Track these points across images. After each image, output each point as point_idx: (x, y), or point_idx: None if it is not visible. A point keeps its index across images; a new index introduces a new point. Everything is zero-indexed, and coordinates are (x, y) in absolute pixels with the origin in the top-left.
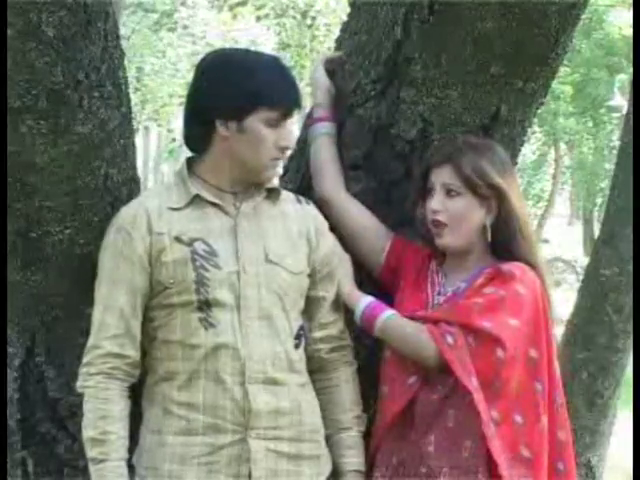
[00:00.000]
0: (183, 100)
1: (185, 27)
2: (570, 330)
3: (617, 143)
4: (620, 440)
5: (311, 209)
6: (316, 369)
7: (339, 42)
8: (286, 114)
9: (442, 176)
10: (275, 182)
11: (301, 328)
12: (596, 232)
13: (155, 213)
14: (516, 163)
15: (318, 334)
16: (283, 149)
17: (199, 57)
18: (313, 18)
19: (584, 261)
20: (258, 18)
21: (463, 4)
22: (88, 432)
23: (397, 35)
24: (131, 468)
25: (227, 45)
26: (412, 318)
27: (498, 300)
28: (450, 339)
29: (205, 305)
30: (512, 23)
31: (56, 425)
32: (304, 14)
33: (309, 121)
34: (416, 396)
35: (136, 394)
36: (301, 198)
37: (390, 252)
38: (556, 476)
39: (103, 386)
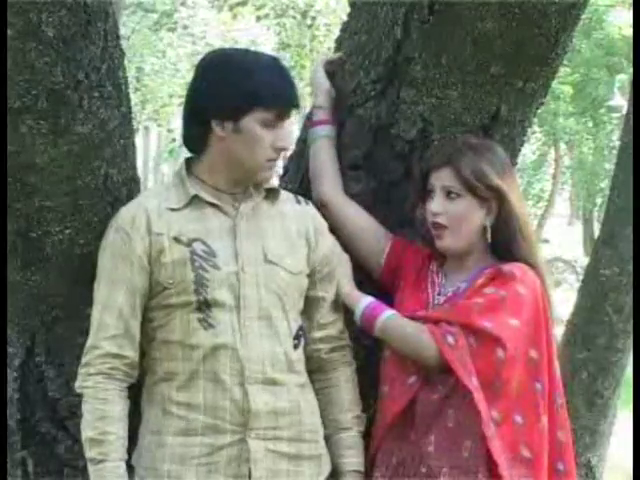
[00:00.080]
0: (183, 100)
1: (185, 27)
2: (570, 330)
3: (617, 143)
4: (620, 440)
5: (310, 209)
6: (315, 369)
7: (339, 42)
8: (282, 115)
9: (442, 178)
10: (275, 182)
11: (300, 328)
12: (596, 232)
13: (154, 213)
14: (516, 163)
15: (317, 334)
16: (280, 150)
17: (199, 57)
18: (313, 18)
19: (584, 261)
20: (258, 18)
21: (463, 4)
22: (87, 432)
23: (397, 35)
24: (130, 468)
25: (227, 45)
26: (412, 318)
27: (499, 300)
28: (451, 339)
29: (204, 305)
30: (512, 23)
31: (56, 425)
32: (304, 14)
33: (309, 123)
34: (416, 396)
35: (135, 394)
36: (300, 198)
37: (390, 253)
38: (556, 476)
39: (102, 386)
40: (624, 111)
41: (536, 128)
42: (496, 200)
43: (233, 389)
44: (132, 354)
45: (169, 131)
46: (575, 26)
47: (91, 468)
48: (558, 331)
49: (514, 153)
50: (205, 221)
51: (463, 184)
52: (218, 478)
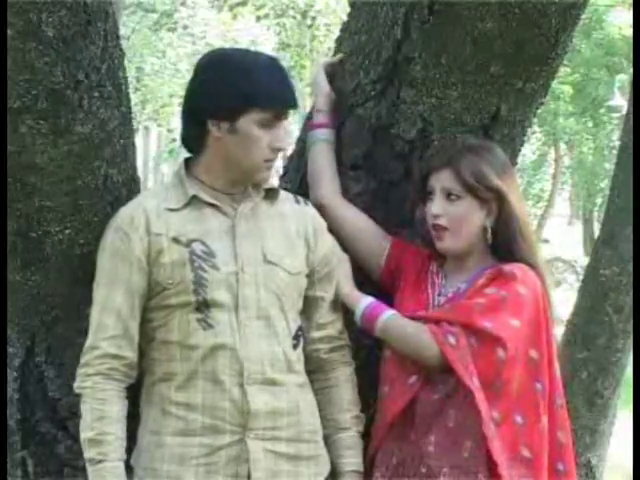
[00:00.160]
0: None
1: (185, 27)
2: (570, 330)
3: (617, 143)
4: (620, 440)
5: (309, 209)
6: (314, 369)
7: (339, 42)
8: (279, 115)
9: (442, 180)
10: (274, 182)
11: (299, 328)
12: (596, 232)
13: (153, 214)
14: (516, 163)
15: (317, 334)
16: (277, 150)
17: (199, 57)
18: (313, 18)
19: (584, 261)
20: (258, 18)
21: (463, 4)
22: (86, 433)
23: (397, 35)
24: (129, 469)
25: (227, 45)
26: (413, 318)
27: (499, 300)
28: (452, 339)
29: (203, 306)
30: (512, 23)
31: (56, 425)
32: (304, 14)
33: (309, 126)
34: (416, 396)
35: (134, 395)
36: (299, 198)
37: (389, 255)
38: (556, 477)
39: (100, 387)
40: (624, 111)
41: (536, 128)
42: (496, 201)
43: (232, 389)
44: (131, 354)
45: (169, 131)
46: (575, 26)
47: (90, 468)
48: (558, 331)
49: (514, 153)
50: (204, 221)
51: (463, 186)
52: (217, 478)
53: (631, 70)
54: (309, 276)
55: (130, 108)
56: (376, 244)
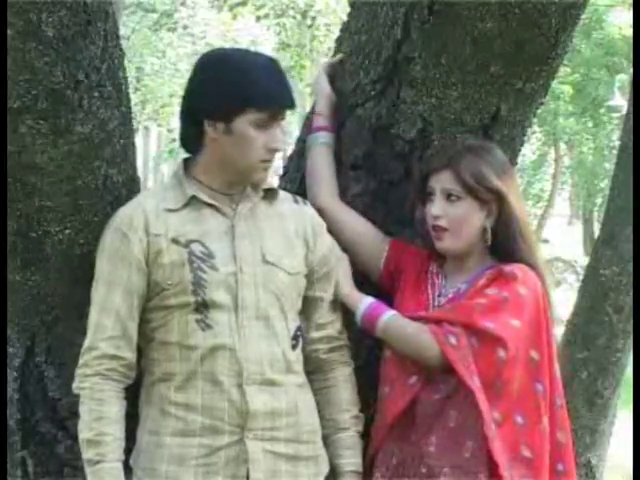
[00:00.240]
0: None
1: (185, 27)
2: (570, 330)
3: (617, 143)
4: (620, 440)
5: (308, 209)
6: (314, 369)
7: (339, 42)
8: (275, 116)
9: (442, 181)
10: (274, 182)
11: (298, 329)
12: (596, 232)
13: (152, 214)
14: (516, 163)
15: (316, 334)
16: (273, 151)
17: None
18: (313, 18)
19: (584, 261)
20: (258, 18)
21: (463, 4)
22: (84, 433)
23: (397, 35)
24: (128, 469)
25: (227, 45)
26: (414, 318)
27: (500, 301)
28: (453, 339)
29: (202, 306)
30: (512, 23)
31: (56, 425)
32: (304, 14)
33: (309, 128)
34: (417, 396)
35: (133, 395)
36: (298, 198)
37: (388, 256)
38: (556, 477)
39: (99, 387)
40: (624, 111)
41: (536, 128)
42: (496, 202)
43: (231, 390)
44: (129, 355)
45: (169, 131)
46: (575, 26)
47: (88, 469)
48: (558, 331)
49: (514, 153)
50: (203, 222)
51: (463, 187)
52: (216, 479)
53: (631, 70)
54: (308, 276)
55: (130, 108)
56: (374, 247)
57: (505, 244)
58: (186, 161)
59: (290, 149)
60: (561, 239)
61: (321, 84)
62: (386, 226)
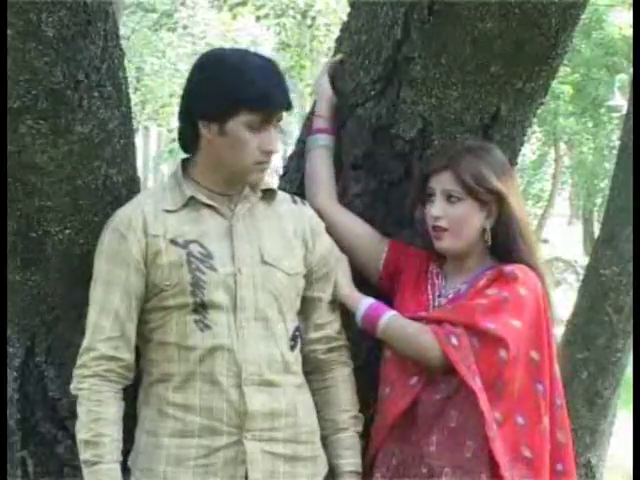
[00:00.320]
0: None
1: (185, 27)
2: (570, 330)
3: (617, 143)
4: (620, 440)
5: (307, 209)
6: (312, 369)
7: (339, 42)
8: (269, 118)
9: (442, 182)
10: (274, 182)
11: (297, 329)
12: (596, 232)
13: (150, 215)
14: (516, 163)
15: (315, 335)
16: (267, 153)
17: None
18: (313, 18)
19: (584, 261)
20: (258, 18)
21: (463, 4)
22: (81, 434)
23: (397, 35)
24: (127, 471)
25: (227, 45)
26: (414, 319)
27: (501, 301)
28: (454, 340)
29: (201, 307)
30: (512, 23)
31: (56, 425)
32: (304, 14)
33: (308, 129)
34: (418, 397)
35: (132, 396)
36: (297, 198)
37: (387, 258)
38: (556, 477)
39: (97, 388)
40: (624, 111)
41: (536, 128)
42: (496, 203)
43: (229, 391)
44: (128, 356)
45: (169, 131)
46: (575, 26)
47: (85, 470)
48: (558, 331)
49: (514, 153)
50: (201, 223)
51: (463, 188)
52: None
53: (631, 70)
54: (307, 277)
55: (130, 108)
56: (373, 249)
57: (505, 245)
58: (184, 162)
59: (290, 149)
60: (561, 239)
61: (322, 85)
62: (386, 226)
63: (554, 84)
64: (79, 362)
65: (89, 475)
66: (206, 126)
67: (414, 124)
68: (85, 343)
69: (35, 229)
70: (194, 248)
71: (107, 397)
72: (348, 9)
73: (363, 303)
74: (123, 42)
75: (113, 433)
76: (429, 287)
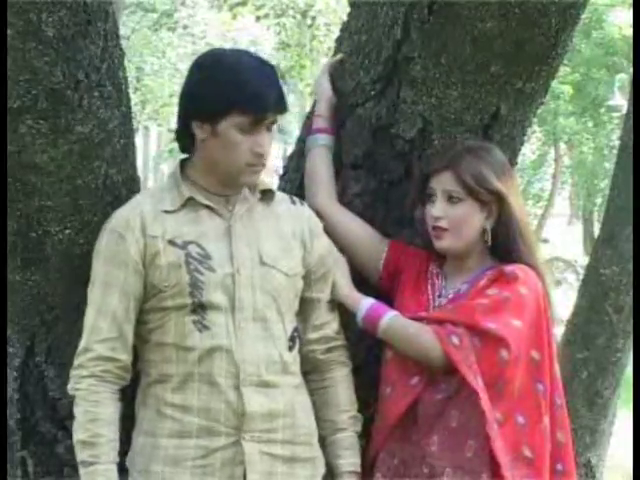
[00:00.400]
0: None
1: (185, 27)
2: (570, 330)
3: (617, 143)
4: (620, 440)
5: (305, 210)
6: (311, 370)
7: (339, 42)
8: (260, 120)
9: (443, 182)
10: (274, 182)
11: (295, 330)
12: (596, 232)
13: (149, 216)
14: (516, 163)
15: (314, 335)
16: (259, 156)
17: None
18: (313, 18)
19: (584, 260)
20: (258, 18)
21: (463, 4)
22: (78, 435)
23: (397, 35)
24: (124, 471)
25: (227, 45)
26: (416, 319)
27: (502, 301)
28: (456, 340)
29: (199, 308)
30: (512, 23)
31: (56, 425)
32: (304, 14)
33: (308, 129)
34: (419, 397)
35: (129, 397)
36: (295, 199)
37: (387, 258)
38: (556, 477)
39: (94, 389)
40: (624, 111)
41: (536, 128)
42: (496, 203)
43: (228, 391)
44: (125, 357)
45: (169, 131)
46: (575, 26)
47: (82, 471)
48: (558, 331)
49: (514, 153)
50: (200, 223)
51: (464, 188)
52: None
53: (631, 70)
54: (305, 277)
55: (130, 108)
56: (373, 249)
57: (505, 245)
58: (183, 162)
59: (290, 149)
60: (561, 239)
61: (323, 85)
62: (386, 226)
63: (554, 84)
64: (76, 362)
65: (86, 476)
66: (199, 126)
67: (414, 124)
68: (82, 344)
69: (35, 229)
70: (192, 249)
71: (104, 398)
72: (348, 9)
73: (364, 303)
74: (123, 42)
75: (110, 434)
76: (429, 287)
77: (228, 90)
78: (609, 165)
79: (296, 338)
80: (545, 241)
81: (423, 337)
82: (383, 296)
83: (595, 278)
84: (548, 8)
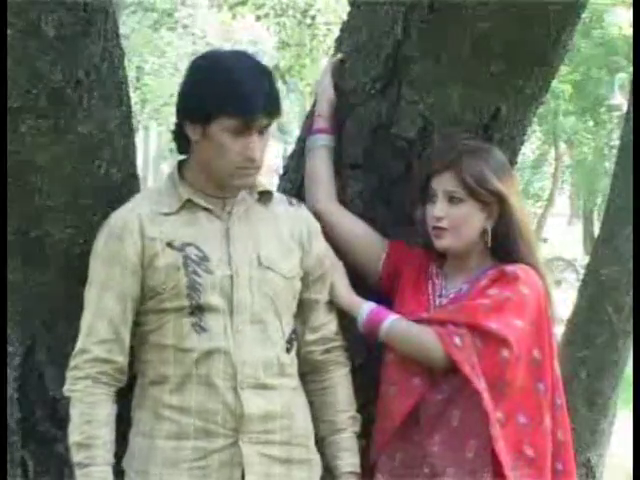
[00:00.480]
0: None
1: (185, 26)
2: (570, 329)
3: (617, 142)
4: (620, 439)
5: (303, 211)
6: (310, 371)
7: (339, 41)
8: (251, 123)
9: (444, 183)
10: (273, 182)
11: (293, 332)
12: (596, 231)
13: (147, 218)
14: (516, 162)
15: (312, 336)
16: (250, 160)
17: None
18: (313, 17)
19: (584, 260)
20: (258, 17)
21: (463, 4)
22: (74, 436)
23: (397, 34)
24: (120, 473)
25: (227, 45)
26: (417, 320)
27: (503, 301)
28: (458, 340)
29: (197, 310)
30: (512, 23)
31: (56, 425)
32: (304, 13)
33: (309, 129)
34: (420, 397)
35: (126, 398)
36: (293, 200)
37: (387, 258)
38: (556, 476)
39: (90, 391)
40: (624, 110)
41: (536, 127)
42: (497, 204)
43: (226, 393)
44: (121, 359)
45: (170, 130)
46: (575, 25)
47: (78, 472)
48: (558, 330)
49: (514, 152)
50: (198, 225)
51: (465, 189)
52: None
53: (631, 69)
54: (303, 279)
55: (130, 107)
56: (373, 249)
57: (505, 245)
58: (180, 163)
59: (290, 149)
60: (561, 238)
61: (324, 85)
62: (386, 226)
63: (554, 83)
64: (72, 364)
65: (81, 478)
66: (192, 128)
67: (414, 123)
68: (79, 345)
69: (35, 229)
70: (190, 251)
71: (100, 399)
72: (348, 8)
73: (364, 308)
74: (123, 41)
75: (105, 435)
76: (429, 287)
77: (217, 93)
78: (609, 165)
79: (294, 340)
80: (545, 240)
81: (425, 338)
82: (383, 296)
83: (595, 278)
84: (548, 8)
